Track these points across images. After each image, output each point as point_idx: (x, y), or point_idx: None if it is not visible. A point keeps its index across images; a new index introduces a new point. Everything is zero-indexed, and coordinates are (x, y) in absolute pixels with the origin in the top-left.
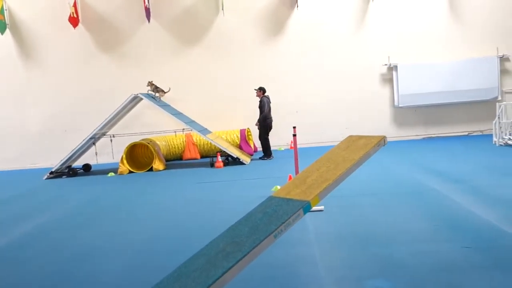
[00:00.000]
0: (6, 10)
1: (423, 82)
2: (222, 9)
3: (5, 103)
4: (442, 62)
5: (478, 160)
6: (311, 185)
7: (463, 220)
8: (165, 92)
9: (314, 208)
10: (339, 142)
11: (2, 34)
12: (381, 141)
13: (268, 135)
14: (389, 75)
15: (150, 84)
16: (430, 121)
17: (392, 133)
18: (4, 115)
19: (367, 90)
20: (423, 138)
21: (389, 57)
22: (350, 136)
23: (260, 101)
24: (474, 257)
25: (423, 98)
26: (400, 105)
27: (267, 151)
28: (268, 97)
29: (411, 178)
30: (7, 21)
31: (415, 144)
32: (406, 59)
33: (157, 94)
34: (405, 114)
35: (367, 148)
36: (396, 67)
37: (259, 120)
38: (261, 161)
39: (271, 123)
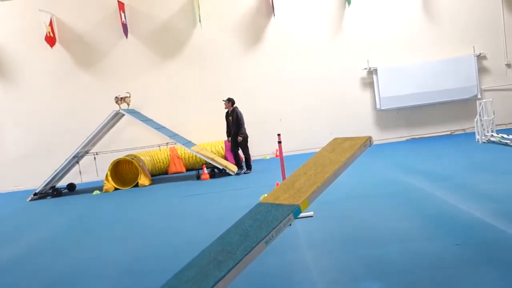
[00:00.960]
0: None
1: (404, 84)
2: (200, 20)
3: None
4: (421, 63)
5: (462, 158)
6: (300, 189)
7: (451, 217)
8: (129, 97)
9: (303, 214)
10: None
11: None
12: (367, 142)
13: (238, 148)
14: (370, 78)
15: (117, 100)
16: (412, 122)
17: (376, 136)
18: None
19: (349, 94)
20: (407, 140)
21: (368, 60)
22: (336, 139)
23: (234, 113)
24: (465, 253)
25: (404, 99)
26: (382, 108)
27: (237, 163)
28: (238, 108)
29: (397, 179)
30: None
31: (399, 146)
32: (385, 62)
33: (125, 104)
34: (387, 116)
35: (353, 149)
36: (376, 70)
37: (241, 133)
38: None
39: (247, 136)
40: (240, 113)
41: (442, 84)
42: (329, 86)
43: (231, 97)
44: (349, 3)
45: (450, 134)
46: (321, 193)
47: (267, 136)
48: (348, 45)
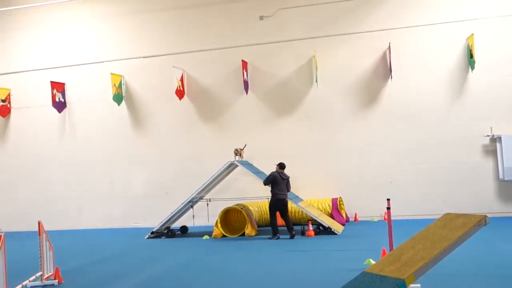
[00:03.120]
0: (123, 84)
1: None
2: (316, 81)
3: (116, 166)
4: None
5: None
6: (406, 263)
7: None
8: (243, 149)
9: (410, 286)
10: (435, 215)
11: (118, 105)
12: (482, 221)
13: (276, 213)
14: (492, 146)
15: (237, 152)
16: None
17: (497, 208)
18: (114, 177)
19: (467, 162)
20: None
21: (491, 127)
22: (448, 214)
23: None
24: None
25: None
26: (505, 179)
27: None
28: (279, 172)
29: None
30: (123, 94)
31: None
32: (511, 129)
33: (238, 156)
34: None
35: (466, 227)
36: (500, 138)
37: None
38: (353, 231)
39: (280, 200)
40: (270, 175)
41: None
42: (446, 152)
43: (279, 161)
44: (472, 67)
45: None
46: (429, 269)
47: (376, 197)
48: (469, 110)
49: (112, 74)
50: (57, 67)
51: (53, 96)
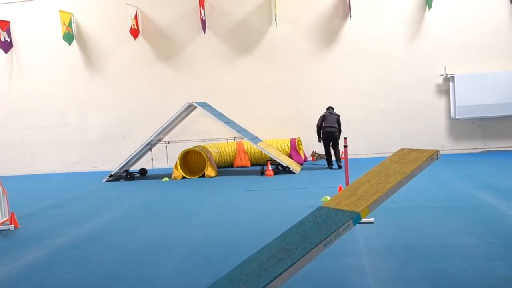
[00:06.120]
0: (73, 23)
1: (483, 93)
2: (275, 20)
3: (70, 109)
4: (504, 72)
5: None
6: (361, 197)
7: None
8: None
9: (364, 219)
10: (391, 153)
11: (69, 45)
12: (434, 155)
13: (329, 145)
14: (445, 86)
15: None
16: (489, 134)
17: (448, 145)
18: (68, 121)
19: (422, 101)
20: (482, 152)
21: (445, 67)
22: (402, 149)
23: None
24: None
25: (482, 109)
26: (457, 117)
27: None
28: (328, 111)
29: (467, 193)
30: (74, 33)
31: (473, 158)
32: (464, 69)
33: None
34: (462, 126)
35: (419, 161)
36: (453, 77)
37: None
38: (311, 170)
39: (328, 132)
40: (320, 117)
41: None
42: (401, 91)
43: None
44: (429, 6)
45: None
46: (383, 202)
47: None
48: (425, 50)
49: (61, 11)
50: (1, 3)
51: None
